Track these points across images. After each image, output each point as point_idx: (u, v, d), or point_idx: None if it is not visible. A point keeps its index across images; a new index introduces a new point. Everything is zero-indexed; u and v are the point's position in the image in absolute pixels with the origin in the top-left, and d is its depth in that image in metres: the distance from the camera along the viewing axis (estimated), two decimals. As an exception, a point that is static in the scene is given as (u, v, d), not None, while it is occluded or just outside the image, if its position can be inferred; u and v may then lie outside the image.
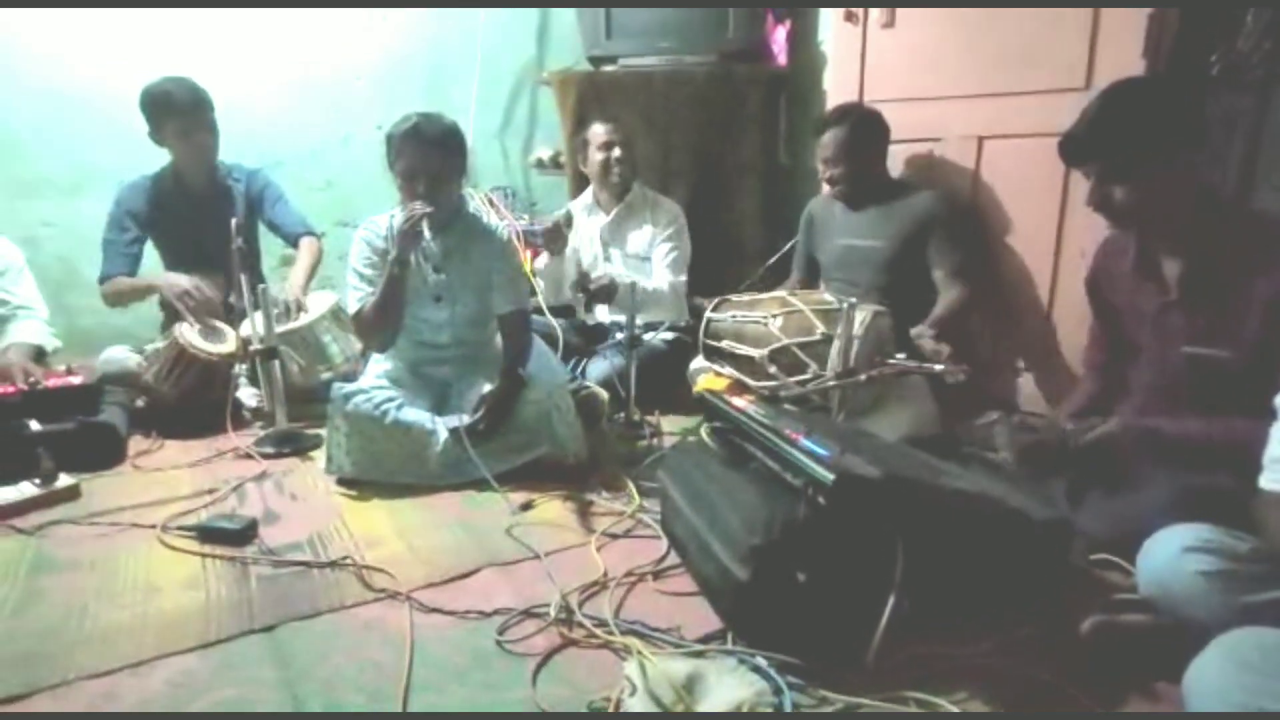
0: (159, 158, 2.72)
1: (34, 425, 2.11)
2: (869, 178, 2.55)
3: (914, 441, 1.88)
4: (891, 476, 1.29)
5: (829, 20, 3.05)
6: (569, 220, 2.80)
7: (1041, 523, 1.42)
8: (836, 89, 2.91)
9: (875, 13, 2.72)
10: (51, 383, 2.28)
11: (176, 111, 2.58)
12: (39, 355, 2.48)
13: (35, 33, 2.99)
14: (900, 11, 2.66)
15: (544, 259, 2.87)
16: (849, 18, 2.80)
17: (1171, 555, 1.27)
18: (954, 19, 2.53)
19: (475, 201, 3.25)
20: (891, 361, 2.07)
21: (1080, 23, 2.20)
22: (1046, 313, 2.43)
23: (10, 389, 2.21)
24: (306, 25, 3.37)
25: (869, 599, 1.26)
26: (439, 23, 3.59)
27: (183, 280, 2.58)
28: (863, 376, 2.03)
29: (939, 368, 1.97)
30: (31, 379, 2.25)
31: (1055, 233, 2.37)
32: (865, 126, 2.51)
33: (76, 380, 2.33)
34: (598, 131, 2.84)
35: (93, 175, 3.09)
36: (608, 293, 2.61)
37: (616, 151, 2.82)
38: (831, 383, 2.05)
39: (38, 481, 1.97)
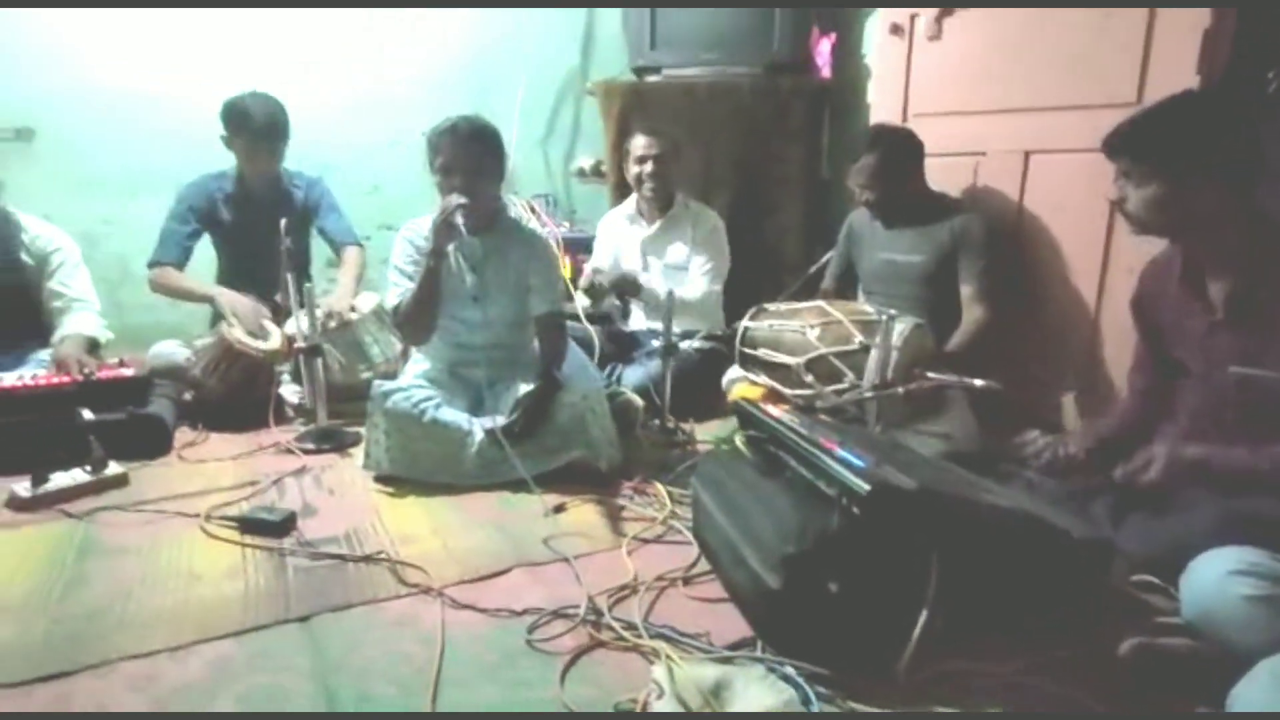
0: (214, 161, 2.81)
1: (87, 414, 2.17)
2: (904, 197, 2.53)
3: (952, 457, 1.86)
4: (927, 489, 1.28)
5: (874, 33, 3.04)
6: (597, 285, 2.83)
7: (1081, 541, 1.39)
8: (880, 102, 2.90)
9: (921, 25, 2.71)
10: (104, 374, 2.35)
11: (248, 131, 2.69)
12: (93, 346, 2.56)
13: (98, 38, 3.11)
14: (946, 24, 2.64)
15: (586, 272, 2.89)
16: (895, 30, 2.79)
17: (1216, 579, 1.24)
18: (1002, 31, 2.50)
19: (516, 207, 3.30)
20: (931, 375, 2.05)
21: (1132, 35, 2.17)
22: (1092, 331, 2.38)
23: (66, 379, 2.29)
24: (356, 31, 3.46)
25: (901, 612, 1.25)
26: (486, 31, 3.66)
27: (243, 303, 2.67)
28: (900, 389, 2.02)
29: (979, 383, 1.95)
30: (86, 370, 2.32)
31: (1103, 250, 2.32)
32: (896, 150, 2.50)
33: (128, 372, 2.40)
34: (638, 144, 2.84)
35: (149, 176, 3.18)
36: (628, 286, 2.68)
37: (649, 166, 2.81)
38: (868, 394, 2.03)
39: (89, 469, 2.03)
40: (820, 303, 2.50)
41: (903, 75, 2.81)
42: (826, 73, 3.29)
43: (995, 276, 2.43)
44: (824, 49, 3.28)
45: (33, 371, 2.36)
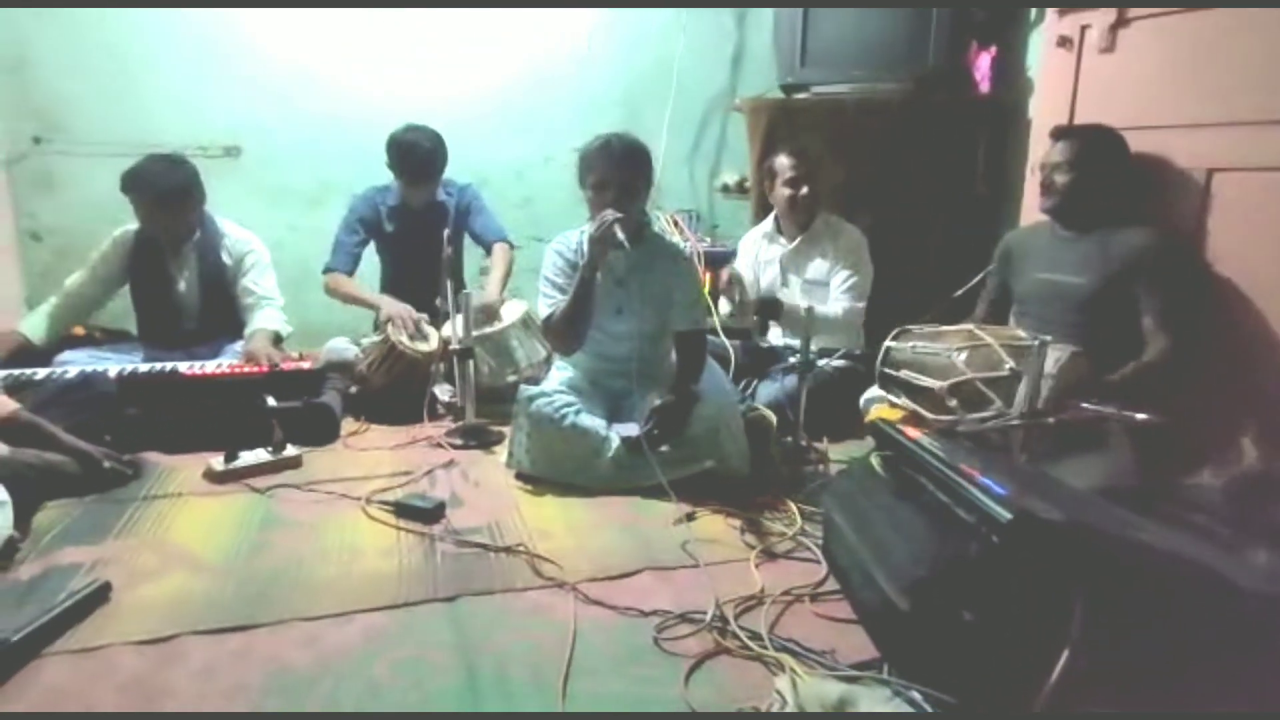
0: (385, 174, 3.06)
1: (270, 401, 2.42)
2: (1093, 198, 2.37)
3: (1106, 493, 1.75)
4: (1073, 522, 1.22)
5: (1039, 46, 2.91)
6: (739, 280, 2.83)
7: (1251, 595, 1.28)
8: (1044, 117, 2.76)
9: (1092, 37, 2.57)
10: (286, 366, 2.61)
11: (406, 172, 2.97)
12: (276, 340, 2.85)
13: (298, 67, 3.45)
14: (1121, 35, 2.49)
15: (724, 277, 2.91)
16: (1062, 43, 2.66)
17: None
18: (1184, 40, 2.33)
19: (660, 221, 3.38)
20: (1086, 406, 1.94)
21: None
22: (1283, 365, 2.17)
23: (255, 369, 2.56)
24: (517, 51, 3.66)
25: (1041, 649, 1.19)
26: (639, 50, 3.78)
27: (400, 309, 2.89)
28: (1051, 419, 1.92)
29: (1140, 416, 1.82)
30: (272, 362, 2.59)
31: (1298, 277, 2.12)
32: (1108, 141, 2.34)
33: (306, 366, 2.65)
34: (783, 164, 2.82)
35: (332, 188, 3.49)
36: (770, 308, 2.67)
37: (804, 190, 2.80)
38: (1015, 422, 1.94)
39: (270, 449, 2.27)
40: (969, 326, 2.41)
41: (1070, 89, 2.67)
42: (985, 87, 3.17)
43: (1181, 305, 2.25)
44: (983, 63, 3.17)
45: (229, 361, 2.66)
